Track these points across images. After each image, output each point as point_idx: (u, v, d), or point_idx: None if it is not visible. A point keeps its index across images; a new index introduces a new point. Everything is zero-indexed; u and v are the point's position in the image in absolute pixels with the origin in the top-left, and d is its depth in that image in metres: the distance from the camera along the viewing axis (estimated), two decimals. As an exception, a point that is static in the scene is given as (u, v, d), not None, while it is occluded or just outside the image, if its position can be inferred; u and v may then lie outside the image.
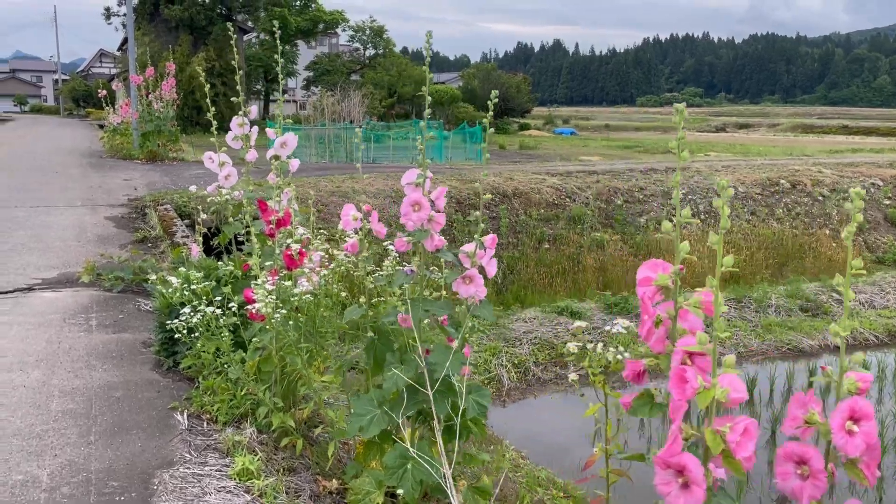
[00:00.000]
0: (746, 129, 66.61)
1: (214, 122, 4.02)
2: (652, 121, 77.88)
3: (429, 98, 2.83)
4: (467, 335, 2.82)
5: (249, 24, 36.51)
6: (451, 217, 11.24)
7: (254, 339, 3.23)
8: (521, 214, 11.64)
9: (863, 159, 17.00)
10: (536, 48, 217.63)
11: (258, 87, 42.77)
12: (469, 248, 2.75)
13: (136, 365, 3.79)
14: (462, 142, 21.69)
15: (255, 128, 4.05)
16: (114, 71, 45.75)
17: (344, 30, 46.20)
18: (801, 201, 13.74)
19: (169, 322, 3.39)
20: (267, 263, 3.22)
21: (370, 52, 47.32)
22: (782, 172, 14.55)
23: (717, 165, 14.97)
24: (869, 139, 48.94)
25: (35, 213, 8.49)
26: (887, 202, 14.24)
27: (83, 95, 52.99)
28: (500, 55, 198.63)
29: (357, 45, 46.97)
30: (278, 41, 4.23)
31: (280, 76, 4.03)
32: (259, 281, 3.01)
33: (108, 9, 34.16)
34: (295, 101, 53.04)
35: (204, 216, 4.88)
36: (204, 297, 3.36)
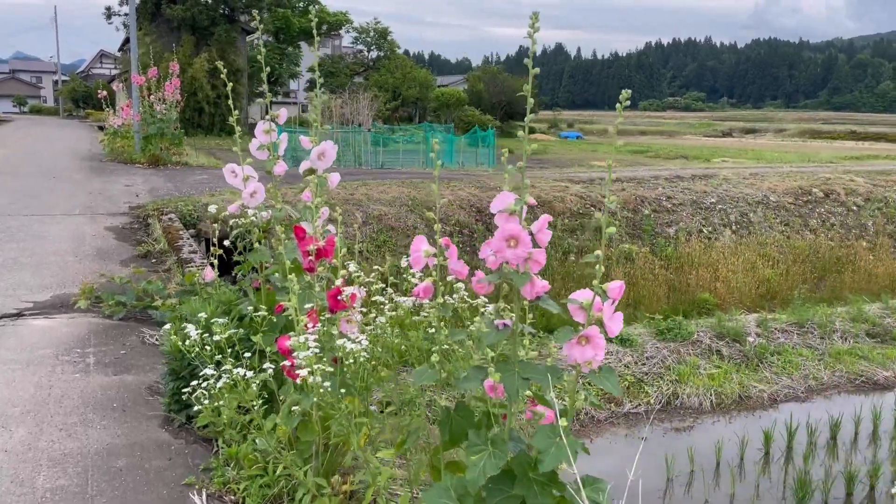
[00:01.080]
0: (753, 135, 66.01)
1: (238, 128, 3.37)
2: (657, 125, 77.37)
3: (531, 100, 2.19)
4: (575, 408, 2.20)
5: (252, 24, 35.95)
6: (472, 227, 10.61)
7: (289, 400, 2.59)
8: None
9: (891, 167, 16.37)
10: (539, 52, 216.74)
11: (261, 88, 42.18)
12: (582, 296, 2.12)
13: (142, 420, 3.15)
14: (469, 146, 21.07)
15: (285, 135, 3.41)
16: (114, 72, 45.14)
17: (348, 31, 45.63)
18: (835, 211, 13.10)
19: (185, 387, 2.76)
20: (307, 306, 2.58)
21: (374, 54, 46.73)
22: (813, 181, 13.92)
23: (744, 173, 14.34)
24: (879, 145, 48.39)
25: (29, 223, 7.85)
26: (920, 210, 13.60)
27: (83, 96, 52.36)
28: (502, 58, 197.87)
29: (361, 46, 46.37)
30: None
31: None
32: (299, 336, 2.37)
33: (108, 8, 33.54)
34: (297, 104, 52.44)
35: (215, 230, 4.24)
36: (226, 346, 2.72)
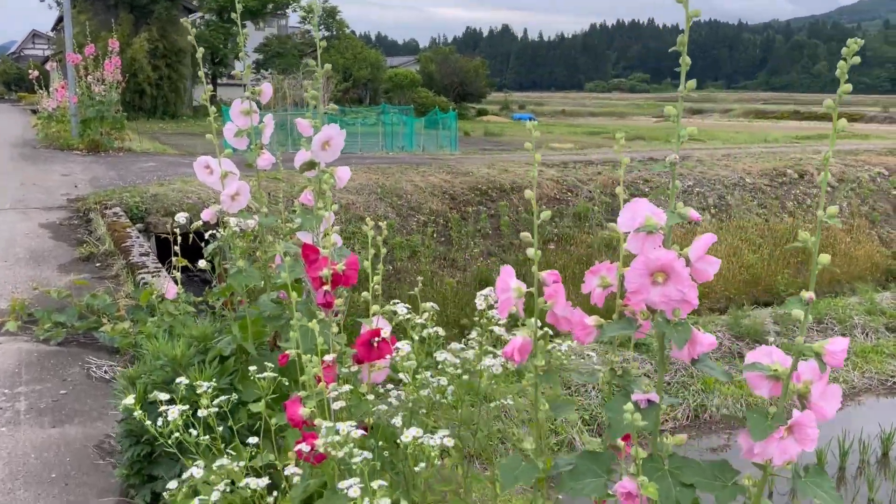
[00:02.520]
0: (700, 115, 66.59)
1: (213, 109, 2.60)
2: (604, 106, 77.59)
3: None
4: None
5: (195, 2, 34.26)
6: (446, 215, 9.91)
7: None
8: (523, 211, 10.37)
9: (858, 146, 16.24)
10: (485, 33, 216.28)
11: (205, 69, 40.38)
12: (768, 355, 1.46)
13: (90, 497, 2.39)
14: (428, 128, 20.28)
15: (270, 117, 2.66)
16: (48, 52, 42.76)
17: (295, 10, 44.13)
18: (811, 192, 12.81)
19: (148, 455, 2.00)
20: (326, 358, 1.85)
21: (323, 33, 45.31)
22: (786, 162, 13.62)
23: (716, 154, 13.96)
24: (822, 124, 49.25)
25: (-51, 221, 6.86)
26: (895, 192, 13.44)
27: (14, 79, 49.60)
28: (449, 40, 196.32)
29: (309, 26, 44.86)
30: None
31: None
32: (310, 403, 1.66)
33: (39, -16, 31.52)
34: (243, 86, 50.60)
35: (176, 234, 3.48)
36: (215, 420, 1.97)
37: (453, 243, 9.65)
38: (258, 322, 2.55)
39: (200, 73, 2.80)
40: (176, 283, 3.25)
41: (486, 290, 2.08)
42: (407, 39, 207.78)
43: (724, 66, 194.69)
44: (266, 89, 2.64)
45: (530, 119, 47.50)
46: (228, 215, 2.52)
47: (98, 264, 5.46)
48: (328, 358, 1.83)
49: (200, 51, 2.69)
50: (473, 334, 2.29)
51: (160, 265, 5.08)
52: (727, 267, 10.43)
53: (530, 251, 1.63)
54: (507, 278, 1.64)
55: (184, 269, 3.72)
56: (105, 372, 3.42)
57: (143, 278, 4.71)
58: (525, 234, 1.65)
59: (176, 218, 2.82)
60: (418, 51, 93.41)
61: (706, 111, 70.94)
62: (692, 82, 1.51)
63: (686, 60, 1.50)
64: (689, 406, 4.94)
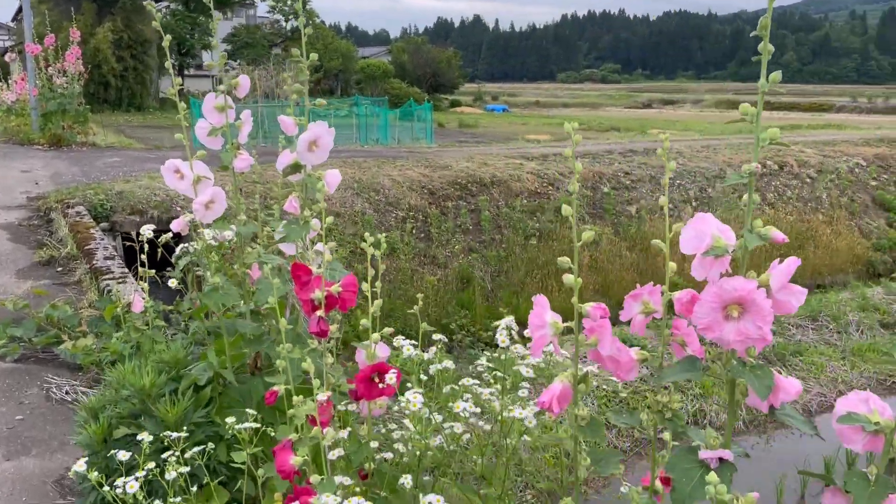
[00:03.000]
0: (672, 106, 66.99)
1: (182, 105, 2.30)
2: (578, 97, 77.74)
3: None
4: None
5: (160, -9, 33.43)
6: (425, 210, 9.64)
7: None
8: (503, 206, 10.14)
9: (835, 136, 16.26)
10: (457, 23, 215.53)
11: (171, 60, 39.50)
12: (861, 402, 1.22)
13: (50, 546, 2.10)
14: (402, 120, 19.94)
15: (248, 113, 2.37)
16: (7, 43, 41.50)
17: (263, 0, 43.37)
18: (791, 184, 12.75)
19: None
20: (320, 397, 1.57)
21: (291, 24, 44.62)
22: (766, 153, 13.52)
23: (695, 146, 13.84)
24: (792, 114, 49.78)
25: None
26: (874, 183, 13.44)
27: (-27, 70, 48.15)
28: (421, 30, 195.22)
29: (278, 16, 44.17)
30: None
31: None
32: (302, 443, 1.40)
33: (-3, -28, 30.48)
34: (211, 77, 49.78)
35: (142, 241, 3.18)
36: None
37: (433, 239, 9.38)
38: (236, 342, 2.27)
39: (167, 64, 2.49)
40: (143, 295, 2.95)
41: (506, 321, 1.83)
42: (377, 30, 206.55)
43: (695, 56, 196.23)
44: (243, 82, 2.35)
45: (504, 110, 47.30)
46: (202, 226, 2.22)
47: (59, 269, 5.11)
48: (322, 397, 1.56)
49: (167, 39, 2.38)
50: (483, 360, 2.04)
51: (126, 270, 4.75)
52: (710, 260, 10.30)
53: (569, 278, 1.38)
54: (543, 312, 1.39)
55: (151, 268, 3.43)
56: (66, 393, 3.12)
57: (107, 285, 4.38)
58: (563, 259, 1.40)
59: (142, 231, 2.50)
60: (389, 41, 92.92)
61: (678, 101, 71.41)
62: (776, 74, 1.26)
63: (768, 48, 1.25)
64: (687, 412, 4.75)
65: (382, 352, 1.85)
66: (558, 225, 10.21)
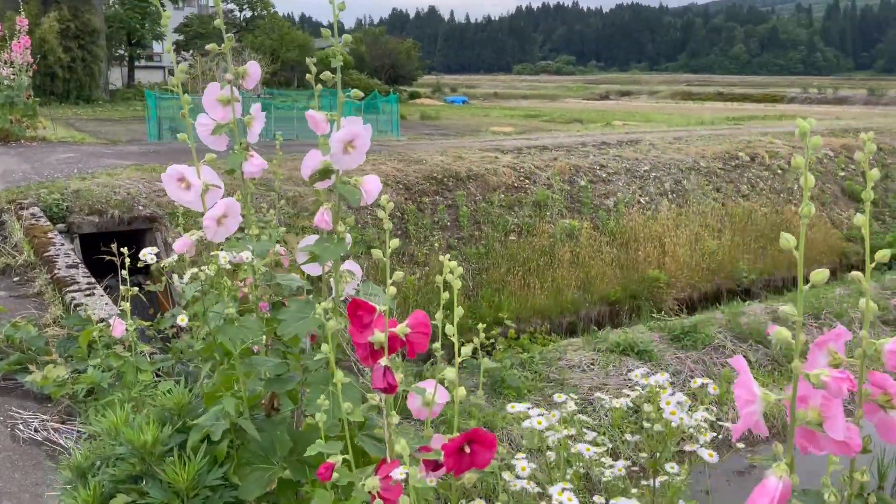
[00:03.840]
0: (629, 97, 67.52)
1: (185, 97, 1.92)
2: (535, 88, 77.86)
3: None
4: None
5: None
6: (402, 207, 9.27)
7: None
8: (481, 201, 9.83)
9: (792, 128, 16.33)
10: (412, 15, 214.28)
11: (120, 51, 38.23)
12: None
13: None
14: (366, 112, 19.44)
15: (257, 107, 2.00)
16: (-56, 33, 39.66)
17: (216, -11, 42.18)
18: (763, 175, 12.71)
19: None
20: (395, 474, 1.23)
21: (246, 13, 43.58)
22: (737, 144, 13.49)
23: (667, 138, 13.73)
24: (746, 105, 50.57)
25: None
26: (842, 174, 13.50)
27: None
28: (376, 21, 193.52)
29: (232, 6, 43.03)
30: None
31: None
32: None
33: (-68, -42, 28.95)
34: (162, 68, 48.38)
35: (123, 259, 2.83)
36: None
37: (411, 237, 9.03)
38: (248, 378, 1.90)
39: (125, 53, 2.08)
40: (125, 317, 2.56)
41: (531, 414, 1.50)
42: (332, 20, 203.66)
43: (647, 48, 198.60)
44: (252, 70, 1.98)
45: (464, 102, 46.98)
46: (215, 247, 1.85)
47: (16, 279, 4.62)
48: (398, 474, 1.22)
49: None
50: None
51: (93, 280, 4.30)
52: (690, 255, 10.17)
53: (783, 335, 1.07)
54: (750, 382, 1.07)
55: (114, 272, 3.06)
56: (36, 430, 2.70)
57: (73, 298, 3.94)
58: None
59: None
60: (345, 32, 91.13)
61: (634, 93, 72.04)
62: None
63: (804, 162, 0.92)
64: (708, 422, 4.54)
65: (442, 398, 1.52)
66: (537, 220, 9.95)
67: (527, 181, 10.53)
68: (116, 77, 37.07)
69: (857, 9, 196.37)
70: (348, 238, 1.77)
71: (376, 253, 1.55)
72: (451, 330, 1.43)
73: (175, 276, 4.87)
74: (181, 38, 40.46)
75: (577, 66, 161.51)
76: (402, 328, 1.34)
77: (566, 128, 25.02)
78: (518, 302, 8.65)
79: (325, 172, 1.77)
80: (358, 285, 1.82)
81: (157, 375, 3.14)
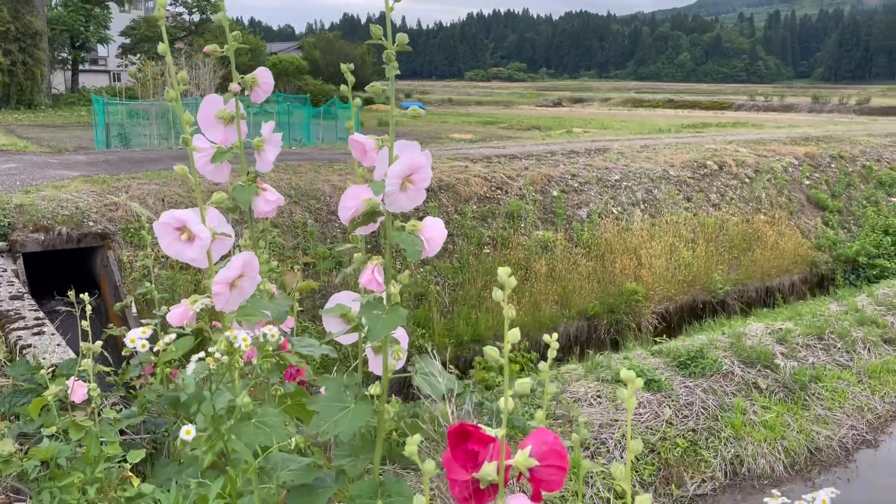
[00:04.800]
0: (581, 104, 67.96)
1: (185, 116, 1.47)
2: (488, 94, 77.97)
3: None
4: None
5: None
6: (371, 220, 8.79)
7: None
8: (453, 212, 9.44)
9: (761, 135, 16.40)
10: (363, 20, 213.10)
11: (63, 54, 36.79)
12: None
13: None
14: (323, 118, 18.90)
15: (270, 127, 1.57)
16: None
17: (164, -9, 40.98)
18: (731, 184, 12.63)
19: None
20: None
21: (195, 17, 42.44)
22: (703, 153, 13.41)
23: (635, 146, 13.57)
24: (696, 112, 51.43)
25: None
26: (807, 182, 13.53)
27: None
28: (327, 26, 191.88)
29: (181, 9, 41.87)
30: None
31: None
32: None
33: None
34: (108, 72, 46.84)
35: (84, 300, 2.38)
36: None
37: (379, 249, 8.58)
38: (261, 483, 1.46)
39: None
40: (90, 383, 2.09)
41: None
42: (282, 25, 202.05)
43: (596, 56, 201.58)
44: (264, 78, 1.56)
45: (420, 108, 46.63)
46: (227, 317, 1.41)
47: (-49, 312, 4.04)
48: None
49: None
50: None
51: (41, 315, 3.77)
52: (665, 266, 9.96)
53: None
54: None
55: (59, 295, 2.60)
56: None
57: (18, 338, 3.41)
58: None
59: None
60: (295, 37, 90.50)
61: (586, 100, 72.59)
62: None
63: None
64: (723, 459, 4.19)
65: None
66: (511, 231, 9.61)
67: (499, 191, 10.19)
68: (59, 81, 35.68)
69: (797, 19, 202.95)
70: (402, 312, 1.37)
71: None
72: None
73: (131, 300, 4.28)
74: (128, 41, 39.19)
75: (529, 73, 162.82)
76: (523, 459, 0.93)
77: (526, 135, 24.89)
78: (496, 318, 8.28)
79: (371, 215, 1.36)
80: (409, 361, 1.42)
81: (122, 433, 2.68)
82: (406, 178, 1.29)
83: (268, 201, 1.51)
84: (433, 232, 1.35)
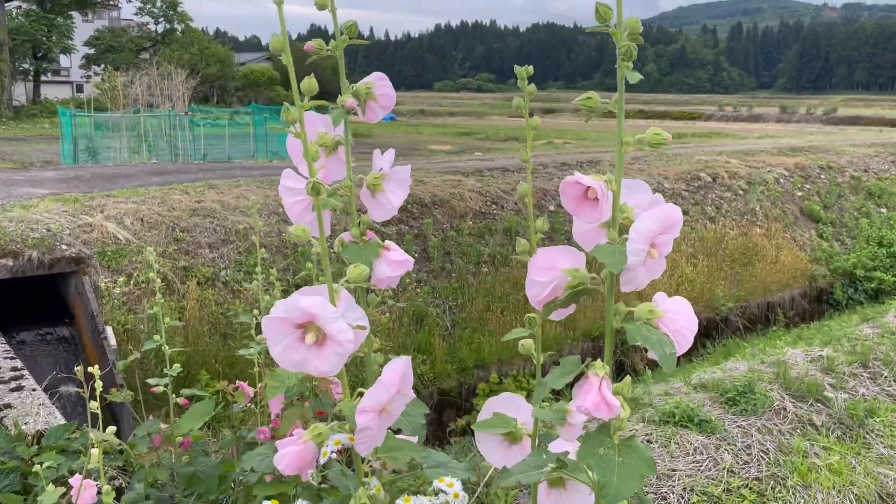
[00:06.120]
0: (552, 114, 68.10)
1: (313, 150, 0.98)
2: (460, 105, 77.91)
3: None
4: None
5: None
6: (365, 239, 8.30)
7: None
8: (449, 229, 8.99)
9: (748, 146, 16.26)
10: (330, 30, 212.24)
11: (25, 65, 35.67)
12: None
13: None
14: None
15: (390, 157, 1.11)
16: None
17: (129, 1, 40.14)
18: (726, 196, 12.37)
19: None
20: None
21: (162, 26, 41.53)
22: (695, 165, 13.15)
23: (626, 158, 13.24)
24: (667, 122, 51.81)
25: None
26: (799, 193, 13.34)
27: None
28: (294, 37, 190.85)
29: (147, 18, 40.95)
30: None
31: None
32: None
33: None
34: (71, 83, 45.65)
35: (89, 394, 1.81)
36: None
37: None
38: None
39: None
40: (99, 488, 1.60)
41: None
42: (248, 35, 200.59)
43: (563, 66, 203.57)
44: (382, 89, 1.10)
45: (391, 119, 46.15)
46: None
47: None
48: None
49: None
50: None
51: (18, 364, 3.23)
52: (668, 283, 9.61)
53: None
54: None
55: (29, 323, 2.10)
56: None
57: (5, 406, 2.87)
58: None
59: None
60: (262, 47, 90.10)
61: (556, 110, 72.82)
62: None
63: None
64: (796, 510, 3.79)
65: None
66: (510, 249, 9.18)
67: (494, 206, 9.77)
68: (20, 93, 34.54)
69: (759, 30, 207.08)
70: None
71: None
72: None
73: (109, 330, 3.69)
74: (92, 51, 38.18)
75: (497, 84, 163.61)
76: None
77: (504, 146, 24.60)
78: (500, 342, 7.83)
79: (576, 295, 0.91)
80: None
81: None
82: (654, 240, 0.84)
83: (393, 264, 1.04)
84: (681, 320, 0.89)
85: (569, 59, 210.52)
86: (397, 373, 0.85)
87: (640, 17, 1.06)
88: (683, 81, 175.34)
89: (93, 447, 1.70)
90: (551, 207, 10.21)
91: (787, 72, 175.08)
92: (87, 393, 1.78)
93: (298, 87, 1.05)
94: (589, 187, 0.94)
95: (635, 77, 0.97)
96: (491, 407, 1.05)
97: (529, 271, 0.98)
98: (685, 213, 11.41)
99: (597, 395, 0.90)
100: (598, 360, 0.97)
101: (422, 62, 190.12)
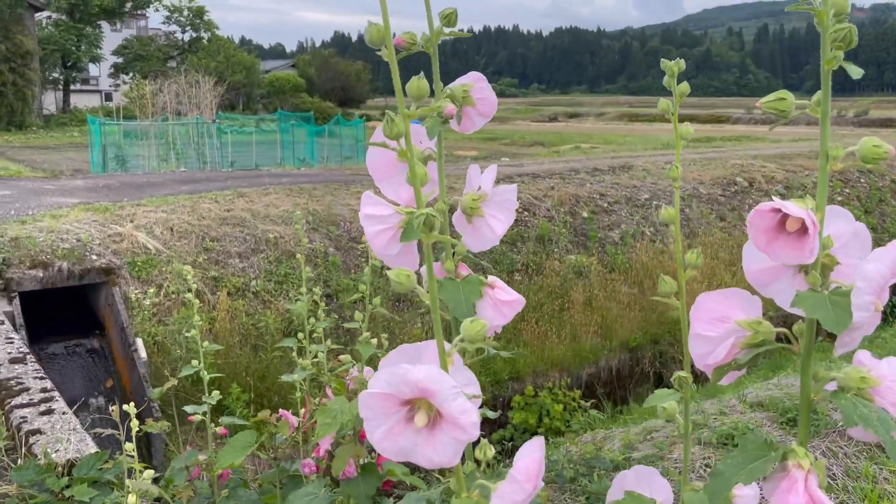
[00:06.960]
0: (577, 119, 67.72)
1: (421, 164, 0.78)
2: (483, 111, 77.52)
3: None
4: None
5: (42, 0, 30.34)
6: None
7: None
8: (482, 237, 8.80)
9: (782, 150, 15.88)
10: (354, 37, 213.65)
11: (55, 74, 36.11)
12: None
13: None
14: (327, 137, 18.29)
15: (492, 174, 0.92)
16: None
17: (157, 10, 40.52)
18: (762, 202, 12.03)
19: None
20: None
21: (188, 35, 41.89)
22: (731, 169, 12.84)
23: (659, 162, 12.99)
24: (693, 125, 51.02)
25: None
26: (839, 198, 12.96)
27: None
28: (318, 44, 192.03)
29: (174, 27, 41.35)
30: None
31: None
32: None
33: None
34: (100, 92, 46.21)
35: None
36: None
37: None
38: None
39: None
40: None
41: None
42: (273, 44, 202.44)
43: (587, 71, 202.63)
44: (481, 91, 0.91)
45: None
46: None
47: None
48: None
49: None
50: None
51: (49, 385, 3.09)
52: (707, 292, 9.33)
53: None
54: None
55: (59, 335, 1.93)
56: None
57: (23, 419, 2.73)
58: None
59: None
60: (286, 55, 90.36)
61: (582, 115, 72.38)
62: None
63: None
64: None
65: None
66: (543, 256, 8.97)
67: (526, 213, 9.57)
68: (50, 101, 34.98)
69: (785, 32, 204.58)
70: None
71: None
72: None
73: (140, 342, 3.43)
74: (120, 60, 38.60)
75: (520, 89, 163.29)
76: None
77: (531, 151, 24.36)
78: (534, 353, 7.62)
79: (760, 355, 0.71)
80: None
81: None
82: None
83: (502, 305, 0.86)
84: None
85: (592, 64, 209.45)
86: (535, 462, 0.65)
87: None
88: (709, 84, 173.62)
89: (129, 493, 1.53)
90: (584, 214, 9.98)
91: (814, 74, 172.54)
92: (122, 433, 1.61)
93: (403, 89, 0.86)
94: (789, 217, 0.74)
95: (856, 72, 0.77)
96: (622, 483, 0.86)
97: (693, 323, 0.79)
98: (722, 218, 11.12)
99: (803, 496, 0.70)
100: (799, 446, 0.77)
101: (445, 67, 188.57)
